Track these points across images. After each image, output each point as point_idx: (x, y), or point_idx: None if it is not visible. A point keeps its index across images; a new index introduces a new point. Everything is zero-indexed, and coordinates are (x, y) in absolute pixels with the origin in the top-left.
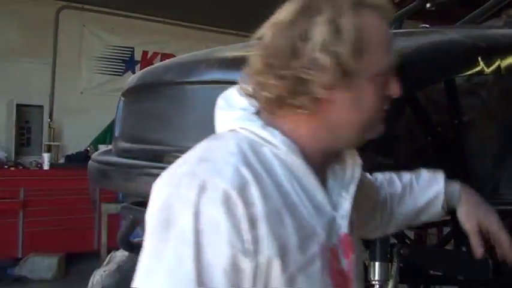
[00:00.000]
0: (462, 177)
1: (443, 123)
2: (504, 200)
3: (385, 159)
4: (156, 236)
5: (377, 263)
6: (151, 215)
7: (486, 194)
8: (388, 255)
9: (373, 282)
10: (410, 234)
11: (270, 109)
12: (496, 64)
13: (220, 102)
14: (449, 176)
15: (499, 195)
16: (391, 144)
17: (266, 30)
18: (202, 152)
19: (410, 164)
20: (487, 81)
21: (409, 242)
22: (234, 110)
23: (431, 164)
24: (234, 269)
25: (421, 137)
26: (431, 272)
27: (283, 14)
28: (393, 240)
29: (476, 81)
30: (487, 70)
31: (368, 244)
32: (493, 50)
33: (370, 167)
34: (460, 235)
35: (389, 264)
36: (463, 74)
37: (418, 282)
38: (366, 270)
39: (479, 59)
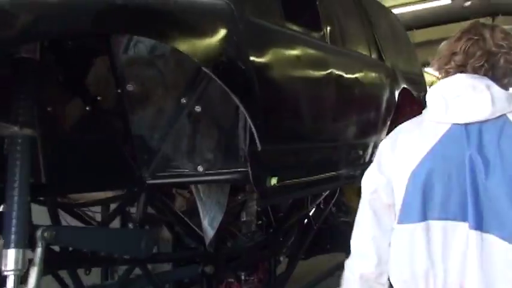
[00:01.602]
0: (128, 148)
1: (105, 92)
2: (175, 172)
3: (22, 130)
4: None
5: (10, 250)
6: None
7: (154, 166)
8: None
9: (7, 273)
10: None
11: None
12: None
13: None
14: (115, 149)
15: (170, 167)
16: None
17: None
18: None
19: (70, 137)
20: (165, 53)
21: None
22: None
23: (92, 134)
24: None
25: (81, 106)
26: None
27: None
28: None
29: (156, 53)
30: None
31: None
32: (128, 10)
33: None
34: (127, 213)
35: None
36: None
37: (71, 265)
38: None
39: (113, 17)
